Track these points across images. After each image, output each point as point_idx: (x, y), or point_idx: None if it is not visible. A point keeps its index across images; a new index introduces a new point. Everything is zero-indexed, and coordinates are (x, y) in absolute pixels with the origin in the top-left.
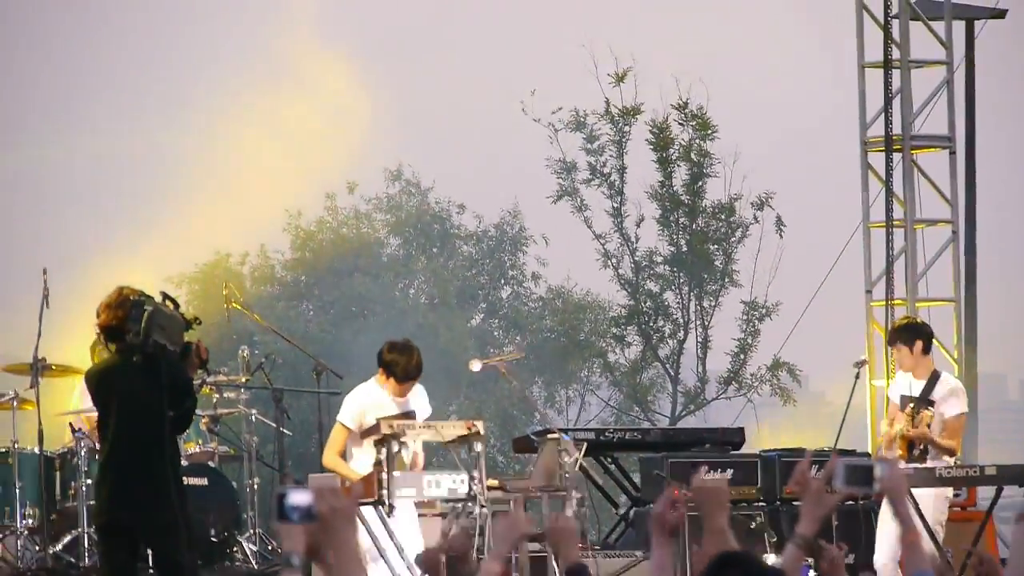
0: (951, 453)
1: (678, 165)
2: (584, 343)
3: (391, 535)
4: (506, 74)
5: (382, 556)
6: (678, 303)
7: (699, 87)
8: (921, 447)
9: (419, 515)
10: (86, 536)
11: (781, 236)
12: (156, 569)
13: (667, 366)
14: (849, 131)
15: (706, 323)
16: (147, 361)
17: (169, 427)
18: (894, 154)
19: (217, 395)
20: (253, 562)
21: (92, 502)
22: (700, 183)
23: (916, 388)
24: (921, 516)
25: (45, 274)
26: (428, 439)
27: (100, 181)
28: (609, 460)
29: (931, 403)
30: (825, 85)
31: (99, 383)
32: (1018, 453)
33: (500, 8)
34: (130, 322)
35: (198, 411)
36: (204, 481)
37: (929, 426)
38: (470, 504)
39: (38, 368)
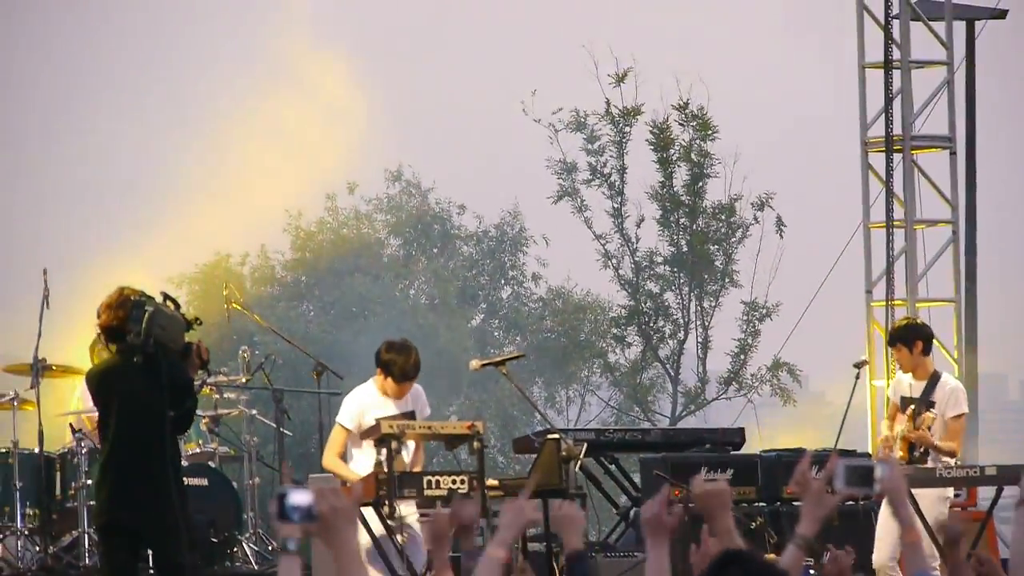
0: (952, 455)
1: (678, 165)
2: (584, 343)
3: (391, 535)
4: (506, 74)
5: (382, 556)
6: (678, 303)
7: (699, 87)
8: (922, 449)
9: (421, 515)
10: (86, 536)
11: (781, 236)
12: (156, 570)
13: (667, 366)
14: (849, 131)
15: (706, 323)
16: (148, 361)
17: (170, 427)
18: (894, 154)
19: (217, 395)
20: (253, 562)
21: (92, 502)
22: (700, 183)
23: (916, 389)
24: (921, 516)
25: (45, 274)
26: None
27: (100, 181)
28: (609, 460)
29: (932, 404)
30: (825, 85)
31: (100, 383)
32: (1018, 453)
33: (500, 8)
34: (131, 322)
35: (198, 411)
36: (204, 481)
37: (930, 428)
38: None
39: (38, 368)
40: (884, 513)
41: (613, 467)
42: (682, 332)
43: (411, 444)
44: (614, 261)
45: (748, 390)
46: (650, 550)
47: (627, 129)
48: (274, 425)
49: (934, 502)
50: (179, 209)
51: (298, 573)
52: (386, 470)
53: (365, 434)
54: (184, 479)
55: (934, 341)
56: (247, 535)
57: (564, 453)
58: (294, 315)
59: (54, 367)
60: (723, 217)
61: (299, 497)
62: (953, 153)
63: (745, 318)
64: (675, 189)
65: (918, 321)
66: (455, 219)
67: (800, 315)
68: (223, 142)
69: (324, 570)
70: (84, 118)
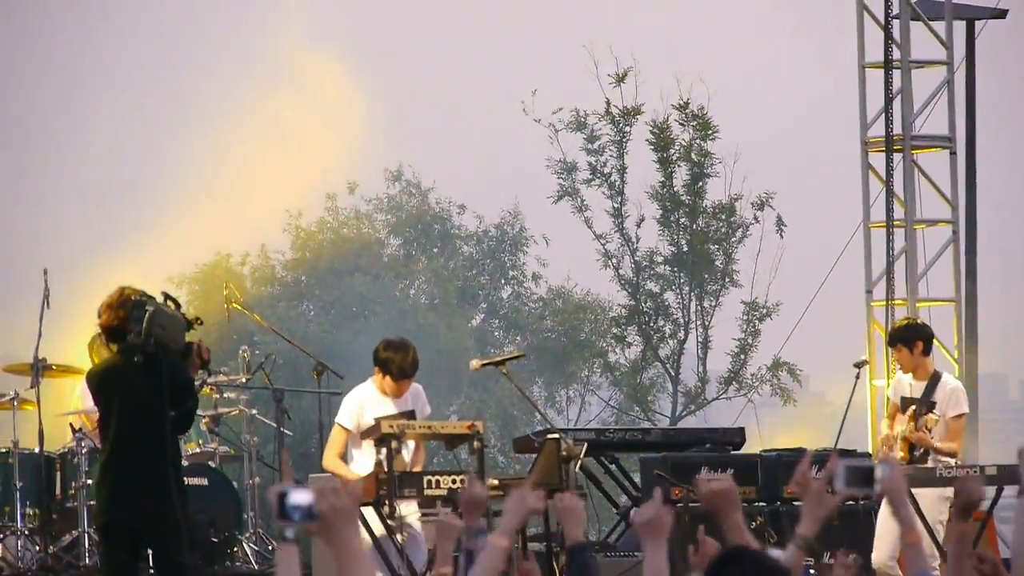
0: (952, 456)
1: (678, 165)
2: (584, 343)
3: (391, 535)
4: (506, 74)
5: (382, 556)
6: (678, 303)
7: (700, 87)
8: (922, 449)
9: (422, 514)
10: (86, 536)
11: (781, 236)
12: (156, 570)
13: (667, 366)
14: (850, 131)
15: (706, 323)
16: (148, 361)
17: (170, 427)
18: (894, 154)
19: (218, 395)
20: (253, 562)
21: (92, 502)
22: (700, 183)
23: (916, 389)
24: (921, 516)
25: (45, 274)
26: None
27: (100, 181)
28: (609, 460)
29: (933, 406)
30: (825, 85)
31: (100, 383)
32: None
33: (500, 8)
34: (131, 322)
35: (199, 411)
36: (204, 481)
37: (932, 430)
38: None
39: (38, 368)
40: (884, 513)
41: (613, 467)
42: (682, 332)
43: (411, 444)
44: (614, 261)
45: (748, 390)
46: (647, 551)
47: (627, 129)
48: (274, 425)
49: (934, 502)
50: (179, 209)
51: (297, 562)
52: (386, 470)
53: (365, 434)
54: (184, 479)
55: (934, 341)
56: (247, 535)
57: (564, 453)
58: (294, 315)
59: (54, 367)
60: (723, 217)
61: (299, 496)
62: (953, 153)
63: (745, 318)
64: (675, 189)
65: (918, 321)
66: (455, 219)
67: (800, 315)
68: (223, 142)
69: (324, 570)
70: (84, 118)
